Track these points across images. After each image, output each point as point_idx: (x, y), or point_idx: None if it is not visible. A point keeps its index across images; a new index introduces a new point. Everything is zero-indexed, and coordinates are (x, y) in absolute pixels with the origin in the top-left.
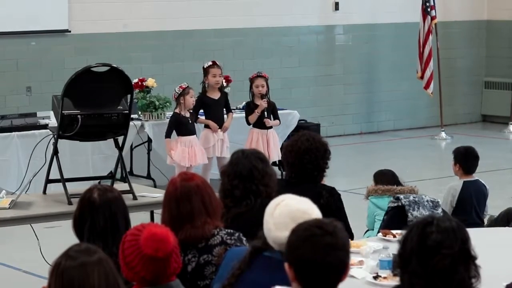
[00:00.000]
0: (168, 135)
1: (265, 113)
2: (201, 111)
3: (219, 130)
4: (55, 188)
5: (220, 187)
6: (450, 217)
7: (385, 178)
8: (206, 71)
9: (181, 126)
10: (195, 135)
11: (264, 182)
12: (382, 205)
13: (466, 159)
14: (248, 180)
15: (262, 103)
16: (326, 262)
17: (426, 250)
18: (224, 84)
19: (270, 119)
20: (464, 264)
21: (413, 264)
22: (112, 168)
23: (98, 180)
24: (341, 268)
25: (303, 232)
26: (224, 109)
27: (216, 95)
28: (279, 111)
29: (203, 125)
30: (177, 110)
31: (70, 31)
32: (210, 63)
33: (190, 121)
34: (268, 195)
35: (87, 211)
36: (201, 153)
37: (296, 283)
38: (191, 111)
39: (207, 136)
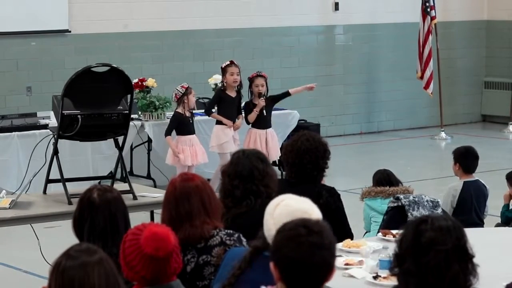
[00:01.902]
0: (168, 133)
1: (264, 112)
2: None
3: (231, 128)
4: (55, 188)
5: (220, 187)
6: (447, 216)
7: (378, 178)
8: (224, 70)
9: (182, 126)
10: (194, 135)
11: (265, 182)
12: (376, 206)
13: (466, 159)
14: (248, 181)
15: (260, 102)
16: (311, 262)
17: (420, 247)
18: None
19: (270, 114)
20: (459, 262)
21: (408, 262)
22: (112, 168)
23: (98, 180)
24: (326, 268)
25: (289, 232)
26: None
27: (233, 94)
28: (279, 111)
29: (204, 125)
30: (179, 110)
31: (70, 31)
32: (228, 62)
33: (191, 121)
34: (269, 196)
35: (87, 211)
36: (202, 152)
37: (281, 283)
38: (192, 110)
39: (219, 133)
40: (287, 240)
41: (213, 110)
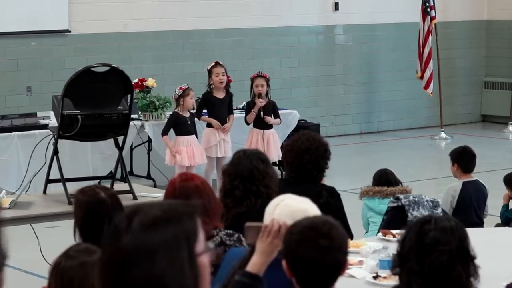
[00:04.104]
0: (165, 132)
1: (261, 112)
2: (204, 111)
3: (221, 129)
4: (55, 188)
5: (220, 187)
6: (449, 216)
7: (378, 177)
8: (209, 71)
9: (179, 126)
10: (193, 135)
11: (265, 183)
12: (374, 206)
13: (463, 158)
14: (248, 181)
15: (258, 103)
16: (322, 263)
17: (424, 247)
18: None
19: (269, 115)
20: (462, 262)
21: (411, 261)
22: (112, 168)
23: (98, 180)
24: (338, 268)
25: (298, 235)
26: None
27: (221, 95)
28: (279, 111)
29: (204, 125)
30: (177, 110)
31: (70, 31)
32: (213, 63)
33: (189, 122)
34: (269, 196)
35: (96, 211)
36: (200, 153)
37: (293, 279)
38: (192, 111)
39: (209, 136)
40: (296, 243)
41: (204, 113)
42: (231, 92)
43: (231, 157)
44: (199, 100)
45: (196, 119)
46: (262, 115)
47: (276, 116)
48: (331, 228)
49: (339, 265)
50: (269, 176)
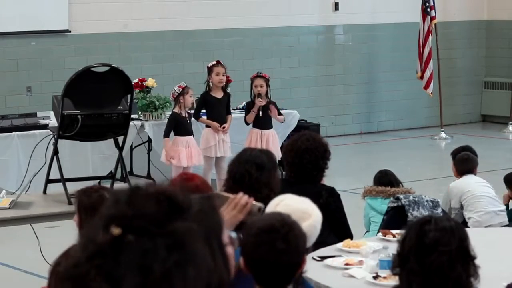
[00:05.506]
0: (167, 134)
1: (261, 112)
2: (203, 111)
3: (220, 130)
4: (55, 188)
5: (224, 183)
6: (449, 216)
7: (379, 178)
8: (210, 69)
9: (179, 126)
10: (192, 136)
11: (255, 188)
12: (376, 206)
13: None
14: (238, 184)
15: (257, 102)
16: (278, 264)
17: (424, 248)
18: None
19: (269, 115)
20: (462, 263)
21: (411, 262)
22: (112, 168)
23: (98, 180)
24: (294, 268)
25: (255, 238)
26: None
27: (219, 95)
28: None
29: (203, 125)
30: (176, 110)
31: (70, 31)
32: (215, 62)
33: (188, 121)
34: (267, 197)
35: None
36: (197, 154)
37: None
38: (189, 111)
39: (208, 136)
40: (254, 246)
41: (203, 114)
42: (230, 92)
43: (238, 153)
44: (198, 100)
45: (193, 119)
46: (261, 115)
47: (279, 115)
48: (288, 230)
49: (295, 266)
50: (263, 183)
